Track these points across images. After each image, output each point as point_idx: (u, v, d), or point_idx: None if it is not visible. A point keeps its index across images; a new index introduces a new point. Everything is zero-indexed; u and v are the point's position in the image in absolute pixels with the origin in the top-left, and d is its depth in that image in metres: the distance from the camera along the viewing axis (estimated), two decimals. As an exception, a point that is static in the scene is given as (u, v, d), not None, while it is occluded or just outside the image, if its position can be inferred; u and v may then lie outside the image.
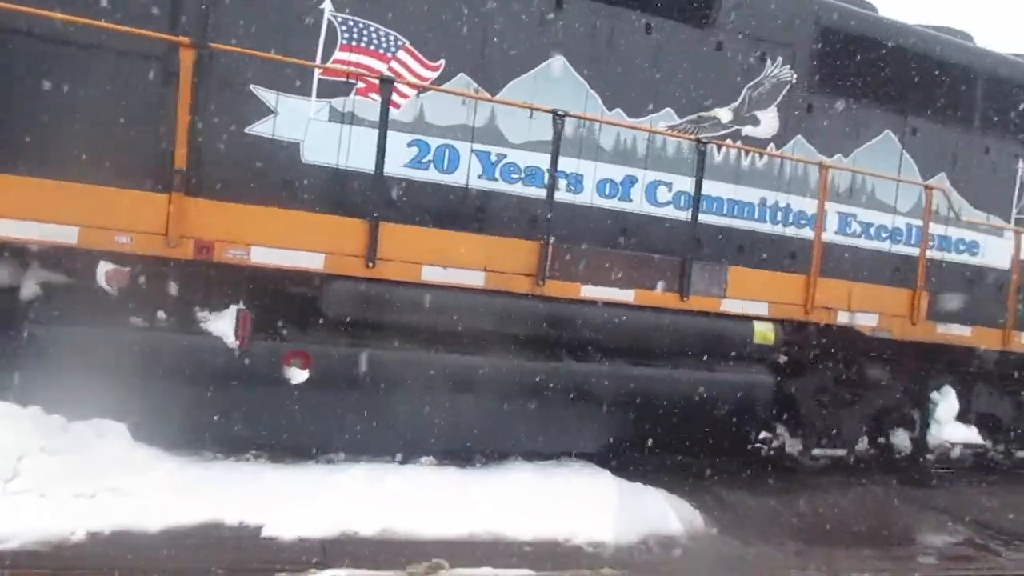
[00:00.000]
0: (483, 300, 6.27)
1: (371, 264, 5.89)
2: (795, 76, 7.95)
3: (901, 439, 8.70)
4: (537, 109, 6.53)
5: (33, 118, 5.41)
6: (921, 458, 8.57)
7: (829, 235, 8.19)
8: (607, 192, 7.26)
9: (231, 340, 5.59)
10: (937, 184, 8.30)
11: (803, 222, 7.98)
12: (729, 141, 7.64)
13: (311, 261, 5.78)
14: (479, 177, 6.81)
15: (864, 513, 7.30)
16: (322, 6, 6.17)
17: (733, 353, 7.16)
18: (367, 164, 6.15)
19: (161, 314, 5.64)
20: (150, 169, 5.59)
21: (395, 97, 6.49)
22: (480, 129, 6.79)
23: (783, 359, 7.67)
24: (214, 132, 5.91)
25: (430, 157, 6.64)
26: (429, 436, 6.20)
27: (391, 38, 6.46)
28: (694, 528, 6.09)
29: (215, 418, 5.60)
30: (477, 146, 6.78)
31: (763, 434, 7.78)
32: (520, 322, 6.40)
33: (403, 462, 6.20)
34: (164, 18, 5.72)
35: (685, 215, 7.46)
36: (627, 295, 6.70)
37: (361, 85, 6.33)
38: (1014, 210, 9.28)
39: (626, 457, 7.07)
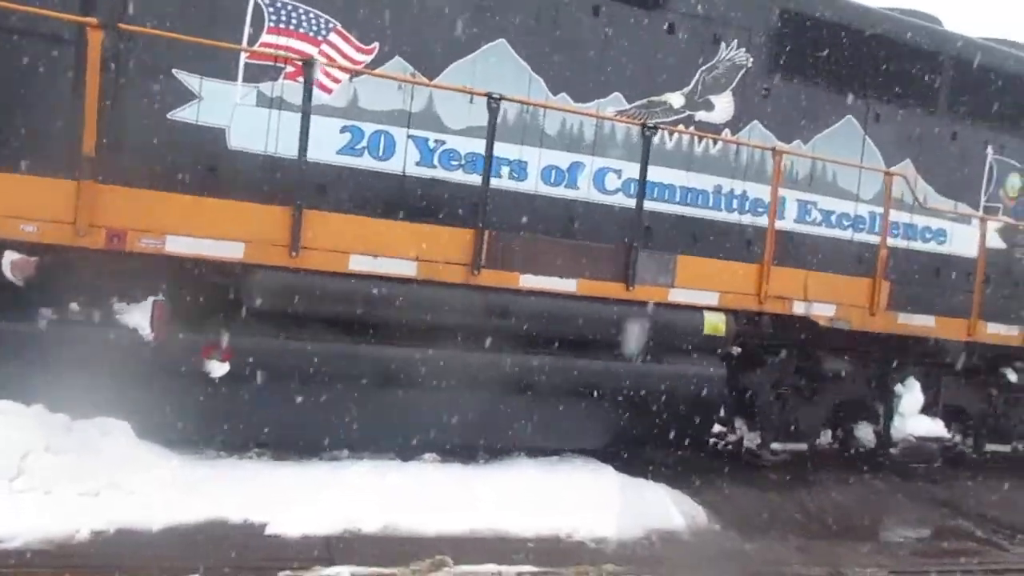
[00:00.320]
0: (416, 290, 6.07)
1: (294, 253, 5.69)
2: (751, 60, 7.72)
3: (865, 433, 8.49)
4: (471, 93, 6.32)
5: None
6: (883, 452, 8.33)
7: (788, 223, 7.99)
8: (552, 179, 7.05)
9: (146, 332, 5.40)
10: (898, 171, 8.06)
11: (760, 210, 7.75)
12: (681, 127, 7.43)
13: (230, 250, 5.58)
14: (417, 164, 6.60)
15: (866, 508, 7.30)
16: (247, -13, 5.98)
17: (683, 344, 6.94)
18: (296, 150, 5.94)
19: (74, 306, 5.45)
20: (62, 157, 5.39)
21: (327, 82, 6.31)
22: (417, 114, 6.58)
23: (737, 351, 7.45)
24: (133, 117, 5.72)
25: (364, 143, 6.44)
26: (353, 431, 6.00)
27: (322, 21, 6.25)
28: (696, 524, 6.07)
29: (128, 412, 5.41)
30: (414, 132, 6.58)
31: (717, 427, 7.56)
32: (456, 313, 6.19)
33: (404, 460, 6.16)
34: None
35: (634, 202, 7.27)
36: (569, 285, 6.49)
37: (290, 69, 6.13)
38: (983, 197, 9.04)
39: (617, 452, 6.92)
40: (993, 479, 8.74)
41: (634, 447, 7.03)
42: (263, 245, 5.64)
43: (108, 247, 5.31)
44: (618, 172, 7.22)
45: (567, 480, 6.15)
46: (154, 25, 5.65)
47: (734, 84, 7.68)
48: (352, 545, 4.98)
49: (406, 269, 6.00)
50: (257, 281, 5.63)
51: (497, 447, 6.55)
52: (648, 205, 7.32)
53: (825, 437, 8.56)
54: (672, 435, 7.08)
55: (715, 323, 7.00)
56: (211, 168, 5.93)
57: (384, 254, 5.97)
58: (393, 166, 6.53)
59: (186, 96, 5.91)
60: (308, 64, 5.76)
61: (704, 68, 7.55)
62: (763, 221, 7.72)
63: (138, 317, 5.45)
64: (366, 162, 6.45)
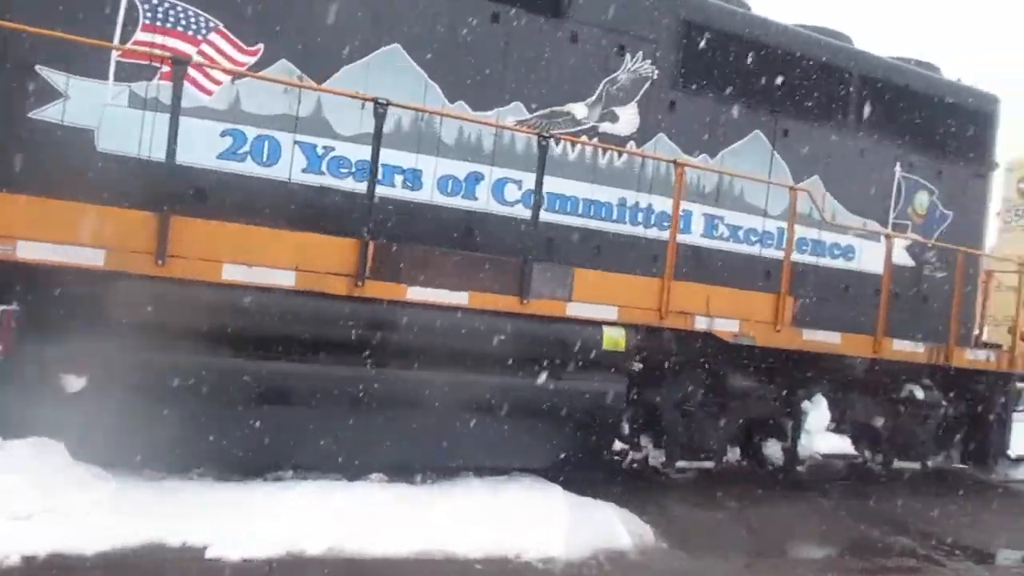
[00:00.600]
0: (296, 302, 5.79)
1: (160, 262, 5.38)
2: (657, 72, 7.64)
3: (773, 450, 8.39)
4: (357, 97, 6.09)
5: None
6: (787, 471, 8.25)
7: (695, 238, 7.90)
8: (449, 189, 6.86)
9: (-7, 344, 5.04)
10: (805, 187, 8.03)
11: (666, 224, 7.62)
12: (584, 138, 7.30)
13: (89, 257, 5.25)
14: (304, 171, 6.36)
15: (810, 525, 7.35)
16: (121, -18, 5.69)
17: (581, 360, 6.76)
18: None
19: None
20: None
21: (207, 83, 6.06)
22: (305, 119, 6.34)
23: (638, 366, 7.29)
24: (-12, 116, 5.38)
25: (247, 148, 6.17)
26: (231, 448, 5.70)
27: (202, 20, 5.99)
28: (644, 542, 6.05)
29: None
30: (301, 137, 6.34)
31: (619, 445, 7.39)
32: (339, 326, 5.92)
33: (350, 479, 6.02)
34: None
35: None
36: (460, 298, 6.27)
37: (166, 69, 5.83)
38: (892, 214, 9.07)
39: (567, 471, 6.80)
40: (932, 495, 8.90)
41: (531, 465, 6.80)
42: (125, 253, 5.31)
43: (-49, 252, 4.95)
44: (519, 183, 7.06)
45: (516, 499, 6.11)
46: (17, 19, 5.32)
47: (639, 96, 7.58)
48: (294, 569, 4.84)
49: (284, 280, 5.72)
50: (117, 290, 5.30)
51: (381, 465, 6.26)
52: (551, 217, 7.21)
53: (734, 455, 8.42)
54: (570, 453, 6.88)
55: (614, 338, 6.84)
56: (77, 171, 5.60)
57: (262, 264, 5.68)
58: (278, 172, 6.28)
59: (51, 95, 5.59)
60: (178, 63, 5.48)
61: (608, 79, 7.44)
62: (667, 234, 7.61)
63: (-13, 328, 5.07)
64: (249, 168, 6.18)
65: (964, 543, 7.14)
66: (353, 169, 6.46)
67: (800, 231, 8.46)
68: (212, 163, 6.04)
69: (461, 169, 6.89)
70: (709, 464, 7.87)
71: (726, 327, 7.39)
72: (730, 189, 8.08)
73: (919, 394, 8.90)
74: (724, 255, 8.06)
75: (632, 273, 7.24)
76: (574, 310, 6.70)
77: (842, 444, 8.19)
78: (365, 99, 6.01)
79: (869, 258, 8.77)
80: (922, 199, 9.25)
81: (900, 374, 9.00)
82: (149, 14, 5.85)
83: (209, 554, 4.83)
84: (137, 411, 5.29)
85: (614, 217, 7.52)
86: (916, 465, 9.16)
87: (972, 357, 9.02)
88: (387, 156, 6.58)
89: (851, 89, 8.75)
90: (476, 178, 6.94)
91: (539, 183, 6.53)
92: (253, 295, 5.66)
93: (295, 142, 6.31)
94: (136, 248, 5.34)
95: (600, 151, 7.39)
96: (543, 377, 6.62)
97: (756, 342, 7.52)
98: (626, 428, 7.61)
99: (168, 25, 5.89)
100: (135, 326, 5.31)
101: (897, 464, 9.04)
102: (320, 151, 6.39)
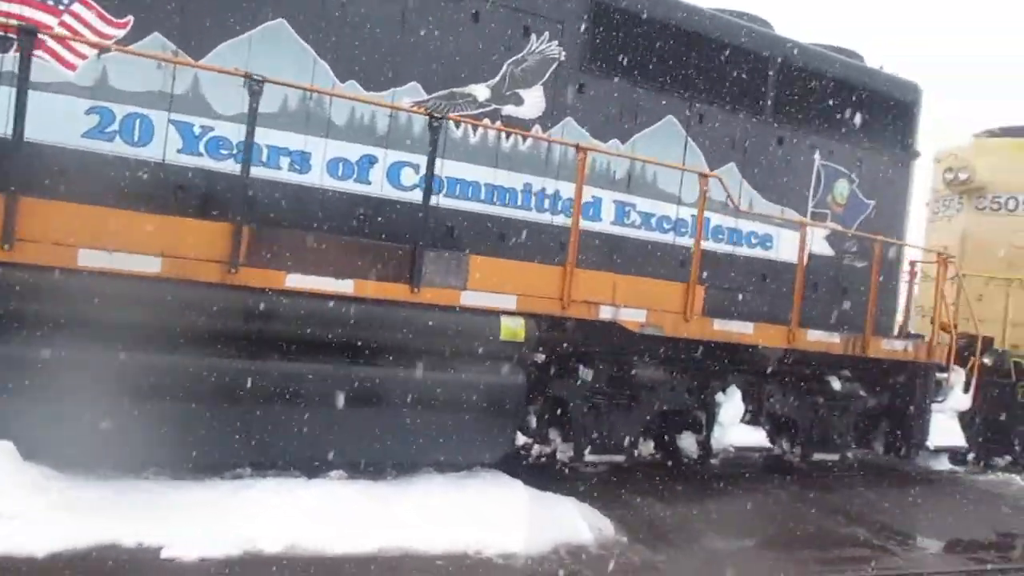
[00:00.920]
0: (162, 289, 5.44)
1: (6, 246, 5.01)
2: (564, 54, 7.39)
3: (688, 443, 8.22)
4: (228, 72, 5.74)
5: None
6: (701, 463, 8.09)
7: (605, 225, 7.68)
8: (340, 173, 6.55)
9: None
10: (714, 173, 7.84)
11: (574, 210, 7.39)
12: (487, 121, 7.03)
13: (-74, 241, 4.87)
14: (179, 151, 6.01)
15: (768, 517, 7.35)
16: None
17: (477, 350, 6.49)
18: (28, 131, 5.24)
19: None
20: None
21: (71, 57, 5.68)
22: (181, 97, 6.00)
23: (541, 358, 7.06)
24: None
25: (115, 127, 5.81)
26: (88, 446, 5.33)
27: (64, -12, 5.61)
28: (604, 536, 6.03)
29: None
30: (176, 116, 5.98)
31: (522, 439, 7.13)
32: (212, 315, 5.58)
33: (310, 477, 5.89)
34: None
35: (436, 200, 6.84)
36: (345, 286, 5.97)
37: (24, 41, 5.44)
38: (811, 203, 8.94)
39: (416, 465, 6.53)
40: (884, 486, 9.05)
41: (426, 460, 6.52)
42: (-32, 236, 4.94)
43: None
44: (416, 167, 6.77)
45: (476, 496, 6.05)
46: None
47: (545, 78, 7.33)
48: (251, 568, 4.74)
49: (148, 266, 5.37)
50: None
51: (260, 462, 5.95)
52: (451, 203, 6.96)
53: (647, 448, 8.23)
54: (469, 448, 6.60)
55: (513, 328, 6.58)
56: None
57: (124, 249, 5.33)
58: (151, 153, 5.93)
59: None
60: (27, 33, 5.10)
61: (512, 60, 7.18)
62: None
63: None
64: (118, 147, 5.82)
65: (918, 533, 7.32)
66: (234, 150, 6.12)
67: (717, 219, 8.31)
68: (76, 142, 5.68)
69: (353, 152, 6.59)
70: (620, 458, 7.65)
71: (633, 317, 7.18)
72: (642, 175, 7.87)
73: (836, 385, 8.78)
74: (637, 243, 7.85)
75: (540, 262, 7.00)
76: (469, 299, 6.43)
77: (756, 436, 8.03)
78: (238, 75, 5.66)
79: (788, 247, 8.62)
80: (842, 187, 9.13)
81: (820, 365, 8.89)
82: (4, -19, 5.45)
83: (165, 554, 4.73)
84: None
85: (519, 203, 7.27)
86: (835, 457, 9.04)
87: (889, 347, 8.92)
88: (272, 137, 6.31)
89: (770, 75, 8.59)
90: (369, 161, 6.65)
91: (430, 165, 6.25)
92: (114, 282, 5.30)
93: (169, 121, 5.96)
94: (-21, 232, 4.96)
95: (504, 135, 7.12)
96: (437, 369, 6.34)
97: (664, 332, 7.32)
98: (533, 422, 7.37)
99: (25, -7, 5.50)
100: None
101: (816, 456, 8.91)
102: (197, 131, 6.05)
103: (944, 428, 9.53)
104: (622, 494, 7.28)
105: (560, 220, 7.40)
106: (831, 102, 9.02)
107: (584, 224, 7.50)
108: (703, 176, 7.51)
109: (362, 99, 6.44)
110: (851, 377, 9.13)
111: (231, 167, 6.10)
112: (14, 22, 5.30)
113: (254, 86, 5.63)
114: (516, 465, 6.97)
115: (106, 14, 5.74)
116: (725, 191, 7.76)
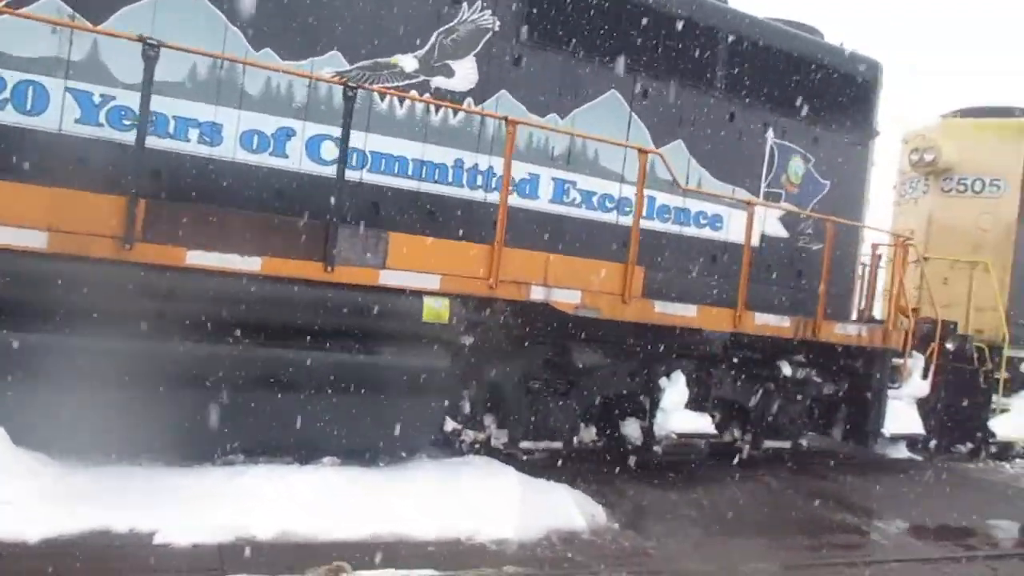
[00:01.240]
0: (46, 266, 5.14)
1: None
2: (498, 24, 7.08)
3: (632, 429, 7.96)
4: (120, 37, 5.41)
5: None
6: (648, 449, 7.82)
7: (543, 203, 7.39)
8: (255, 145, 6.24)
9: None
10: (654, 149, 7.55)
11: (510, 187, 7.10)
12: (414, 93, 6.72)
13: None
14: (77, 121, 5.70)
15: (758, 504, 7.41)
16: None
17: (398, 333, 6.22)
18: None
19: None
20: None
21: (-44, 20, 5.34)
22: (79, 64, 5.68)
23: (469, 340, 6.78)
24: None
25: (6, 94, 5.49)
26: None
27: (-54, -54, 5.28)
28: (597, 523, 6.08)
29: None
30: (74, 84, 5.66)
31: (452, 424, 6.86)
32: (103, 294, 5.28)
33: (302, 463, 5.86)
34: None
35: (359, 175, 6.56)
36: (252, 264, 5.67)
37: (-97, 2, 5.13)
38: (764, 182, 8.65)
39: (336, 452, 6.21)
40: (872, 472, 9.09)
41: (348, 448, 6.24)
42: None
43: None
44: (338, 141, 6.45)
45: (469, 481, 6.05)
46: None
47: (478, 49, 7.02)
48: (244, 553, 4.70)
49: (32, 240, 5.07)
50: None
51: (159, 449, 5.66)
52: (376, 179, 6.69)
53: (589, 434, 7.97)
54: (393, 434, 6.32)
55: (436, 309, 6.30)
56: None
57: (7, 222, 5.02)
58: (46, 122, 5.61)
59: None
60: None
61: (442, 30, 6.86)
62: (513, 199, 7.11)
63: None
64: (9, 116, 5.51)
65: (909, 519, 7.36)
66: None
67: (663, 198, 8.03)
68: (-38, 110, 5.36)
69: (269, 124, 6.28)
70: (557, 445, 7.39)
71: (567, 298, 6.89)
72: (583, 152, 7.58)
73: (787, 371, 8.52)
74: (578, 222, 7.57)
75: (474, 241, 6.71)
76: (388, 278, 6.14)
77: (700, 423, 7.76)
78: (130, 38, 5.34)
79: (739, 228, 8.31)
80: (797, 167, 8.85)
81: (773, 350, 8.63)
82: None
83: (157, 540, 4.72)
84: None
85: (450, 180, 6.97)
86: (787, 444, 8.80)
87: (842, 332, 8.66)
88: (180, 107, 6.00)
89: (720, 49, 8.28)
90: (287, 134, 6.34)
91: (345, 137, 5.95)
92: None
93: (66, 89, 5.64)
94: None
95: (433, 108, 6.82)
96: (353, 352, 6.07)
97: (601, 314, 7.04)
98: (467, 407, 7.10)
99: (-98, -49, 5.18)
100: None
101: (768, 444, 8.67)
102: (97, 100, 5.74)
103: (902, 415, 9.28)
104: (618, 481, 7.30)
105: (494, 198, 7.09)
106: (786, 79, 8.73)
107: (520, 202, 7.25)
108: (642, 152, 7.21)
109: (275, 67, 6.12)
110: (805, 363, 8.88)
111: (134, 138, 5.78)
112: None
113: (149, 51, 5.32)
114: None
115: (-6, -26, 5.41)
116: (667, 168, 7.46)
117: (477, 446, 7.25)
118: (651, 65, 7.84)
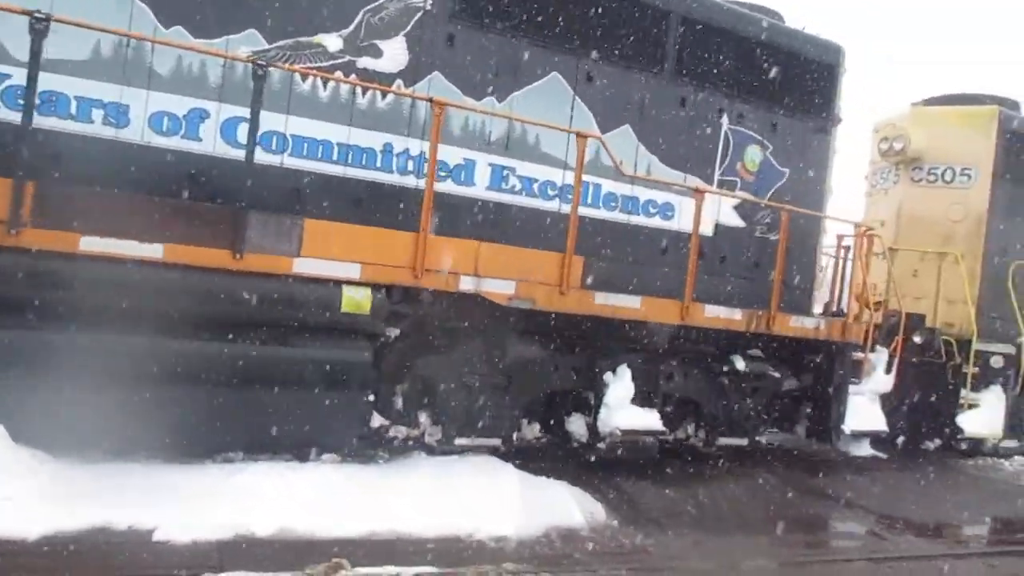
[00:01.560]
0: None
1: None
2: (430, 2, 6.79)
3: (577, 426, 7.67)
4: (9, 11, 5.12)
5: None
6: (591, 447, 7.53)
7: (479, 190, 7.10)
8: (165, 128, 5.95)
9: None
10: (595, 133, 7.25)
11: (442, 173, 6.82)
12: (339, 74, 6.43)
13: None
14: (-31, 101, 5.41)
15: (758, 502, 7.43)
16: None
17: (314, 324, 5.94)
18: None
19: None
20: None
21: None
22: (-30, 41, 5.39)
23: (394, 332, 6.49)
24: None
25: None
26: None
27: None
28: (596, 520, 6.11)
29: None
30: (-36, 62, 5.38)
31: (379, 420, 6.58)
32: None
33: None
34: None
35: (279, 159, 6.27)
36: (153, 250, 5.39)
37: None
38: (718, 170, 8.35)
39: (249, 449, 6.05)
40: (873, 471, 9.15)
41: (262, 446, 5.96)
42: None
43: None
44: (256, 123, 6.16)
45: (468, 478, 6.08)
46: None
47: (408, 28, 6.73)
48: (243, 550, 4.77)
49: (-94, 225, 4.79)
50: None
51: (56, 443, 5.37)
52: (297, 163, 6.40)
53: (532, 431, 7.69)
54: (312, 431, 6.04)
55: (356, 299, 6.02)
56: None
57: None
58: (-67, 103, 5.33)
59: None
60: None
61: (369, 8, 6.57)
62: (448, 186, 6.83)
63: None
64: None
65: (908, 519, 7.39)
66: (38, 100, 5.50)
67: (610, 186, 7.72)
68: None
69: (181, 105, 5.99)
70: (495, 441, 7.10)
71: (499, 288, 6.61)
72: (524, 137, 7.28)
73: (740, 365, 8.22)
74: (518, 211, 7.27)
75: (404, 228, 6.42)
76: (303, 267, 5.87)
77: (647, 419, 7.47)
78: (15, 11, 5.04)
79: (691, 217, 8.02)
80: (754, 154, 8.54)
81: (728, 344, 8.34)
82: None
83: (156, 537, 4.74)
84: None
85: (378, 165, 6.68)
86: (743, 441, 8.51)
87: (798, 325, 8.37)
88: (82, 87, 5.71)
89: (671, 31, 7.97)
90: (200, 116, 6.05)
91: (255, 118, 5.68)
92: None
93: (-48, 67, 5.36)
94: None
95: (360, 90, 6.52)
96: (267, 344, 5.79)
97: (535, 305, 6.75)
98: (399, 402, 6.83)
99: None
100: None
101: (722, 441, 8.38)
102: (-9, 79, 5.45)
103: (863, 411, 8.99)
104: (617, 478, 7.29)
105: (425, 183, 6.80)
106: (742, 63, 8.41)
107: (455, 189, 6.97)
108: (580, 136, 6.91)
109: (183, 45, 5.83)
110: (763, 357, 8.58)
111: (35, 120, 5.49)
112: None
113: (37, 25, 5.03)
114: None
115: None
116: (608, 154, 7.17)
117: (410, 443, 6.97)
118: (597, 46, 7.53)
